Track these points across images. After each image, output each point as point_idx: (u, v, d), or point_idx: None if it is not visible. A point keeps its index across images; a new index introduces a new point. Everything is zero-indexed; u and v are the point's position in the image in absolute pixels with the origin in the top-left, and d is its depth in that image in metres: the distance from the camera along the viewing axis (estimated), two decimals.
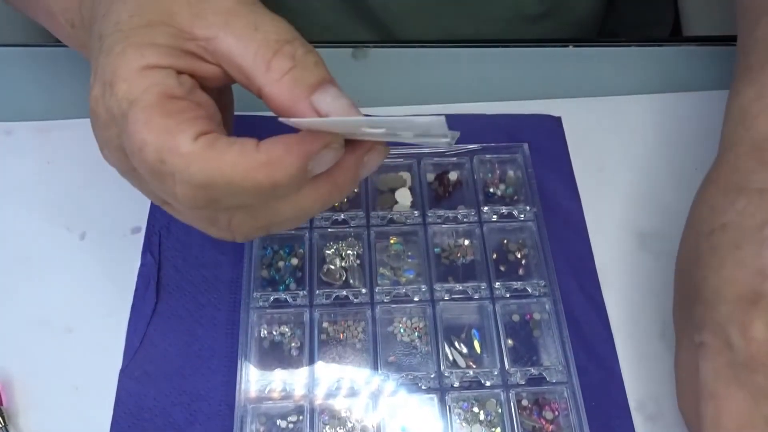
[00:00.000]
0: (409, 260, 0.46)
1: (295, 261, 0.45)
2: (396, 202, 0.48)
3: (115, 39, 0.33)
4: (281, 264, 0.45)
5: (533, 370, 0.41)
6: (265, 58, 0.32)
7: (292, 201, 0.33)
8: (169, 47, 0.32)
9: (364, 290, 0.44)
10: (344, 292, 0.44)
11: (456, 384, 0.41)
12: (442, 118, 0.29)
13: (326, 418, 0.40)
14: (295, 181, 0.32)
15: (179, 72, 0.33)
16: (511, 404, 0.40)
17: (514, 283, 0.44)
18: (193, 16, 0.33)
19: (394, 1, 0.61)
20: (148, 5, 0.33)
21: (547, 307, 0.44)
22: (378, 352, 0.42)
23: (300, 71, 0.32)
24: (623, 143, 0.51)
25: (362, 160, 0.34)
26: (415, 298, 0.44)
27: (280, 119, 0.32)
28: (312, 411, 0.40)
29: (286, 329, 0.43)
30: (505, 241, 0.47)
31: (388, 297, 0.44)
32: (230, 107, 0.41)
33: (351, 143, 0.34)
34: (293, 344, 0.42)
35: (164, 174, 0.31)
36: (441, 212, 0.47)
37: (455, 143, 0.34)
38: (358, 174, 0.35)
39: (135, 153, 0.31)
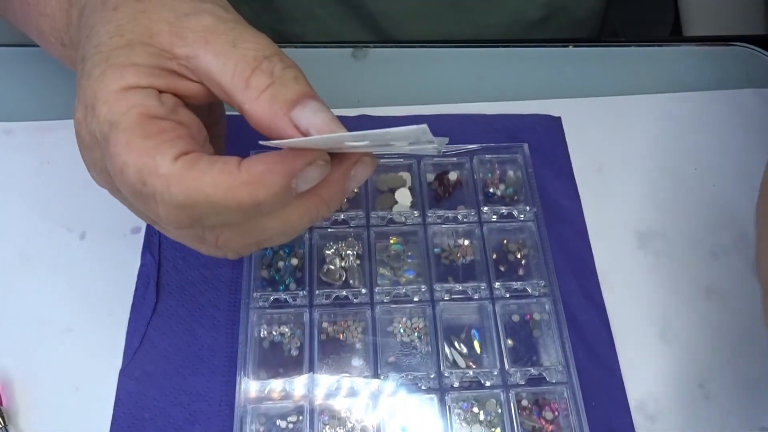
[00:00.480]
0: (409, 260, 0.46)
1: (295, 261, 0.45)
2: (396, 202, 0.48)
3: (96, 61, 0.32)
4: (281, 264, 0.45)
5: (533, 371, 0.41)
6: (244, 76, 0.32)
7: (279, 217, 0.33)
8: (149, 66, 0.32)
9: (363, 290, 0.44)
10: (344, 293, 0.44)
11: (456, 384, 0.41)
12: (425, 125, 0.28)
13: (326, 418, 0.40)
14: (279, 199, 0.31)
15: (161, 91, 0.32)
16: (511, 404, 0.40)
17: (514, 283, 0.44)
18: (172, 35, 0.33)
19: (394, 8, 0.61)
20: (127, 25, 0.33)
21: (546, 307, 0.44)
22: (378, 353, 0.42)
23: (278, 87, 0.32)
24: (623, 143, 0.51)
25: (349, 174, 0.34)
26: (415, 299, 0.44)
27: (261, 142, 0.32)
28: (312, 411, 0.40)
29: (286, 329, 0.43)
30: (505, 241, 0.47)
31: (387, 297, 0.44)
32: (221, 122, 0.40)
33: (338, 156, 0.33)
34: (293, 344, 0.42)
35: (146, 195, 0.31)
36: (441, 212, 0.47)
37: (449, 144, 0.33)
38: (345, 188, 0.34)
39: (117, 175, 0.31)
